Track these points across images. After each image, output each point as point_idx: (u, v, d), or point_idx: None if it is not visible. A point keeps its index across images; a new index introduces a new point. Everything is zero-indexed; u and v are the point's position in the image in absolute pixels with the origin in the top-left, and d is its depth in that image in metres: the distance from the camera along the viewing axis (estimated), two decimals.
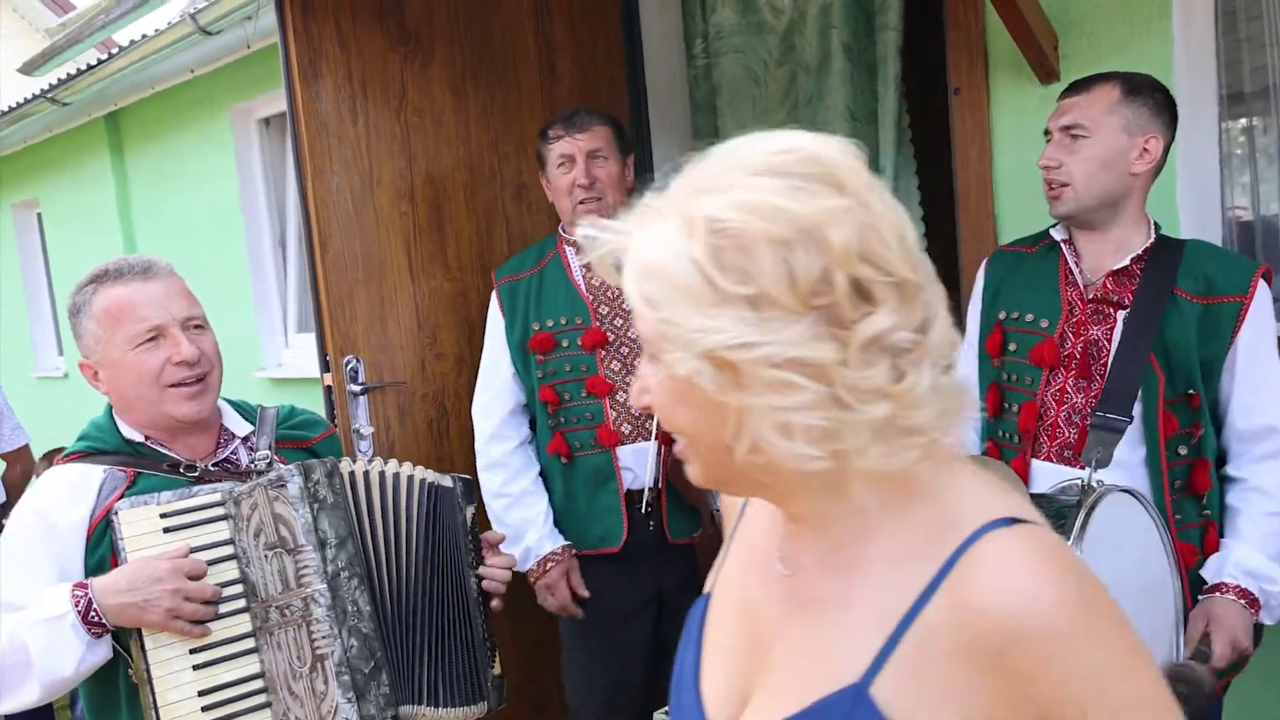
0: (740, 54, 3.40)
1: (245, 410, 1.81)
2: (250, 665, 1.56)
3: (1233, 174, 2.46)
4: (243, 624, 1.57)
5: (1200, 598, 1.79)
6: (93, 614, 1.48)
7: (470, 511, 1.79)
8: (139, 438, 1.66)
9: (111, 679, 1.60)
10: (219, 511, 1.59)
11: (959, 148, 2.60)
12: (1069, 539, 1.47)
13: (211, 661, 1.54)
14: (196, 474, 1.65)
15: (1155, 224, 1.92)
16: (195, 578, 1.52)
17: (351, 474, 1.67)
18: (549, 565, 2.41)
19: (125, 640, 1.53)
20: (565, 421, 2.42)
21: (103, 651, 1.53)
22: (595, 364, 2.40)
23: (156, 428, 1.67)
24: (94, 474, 1.60)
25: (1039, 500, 1.59)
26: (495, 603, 1.81)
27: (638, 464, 2.42)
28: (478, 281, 2.84)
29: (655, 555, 2.45)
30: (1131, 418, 1.78)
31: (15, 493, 3.78)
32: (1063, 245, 1.96)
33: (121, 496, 1.57)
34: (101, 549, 1.56)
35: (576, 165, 2.41)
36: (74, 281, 1.68)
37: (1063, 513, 1.54)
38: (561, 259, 2.50)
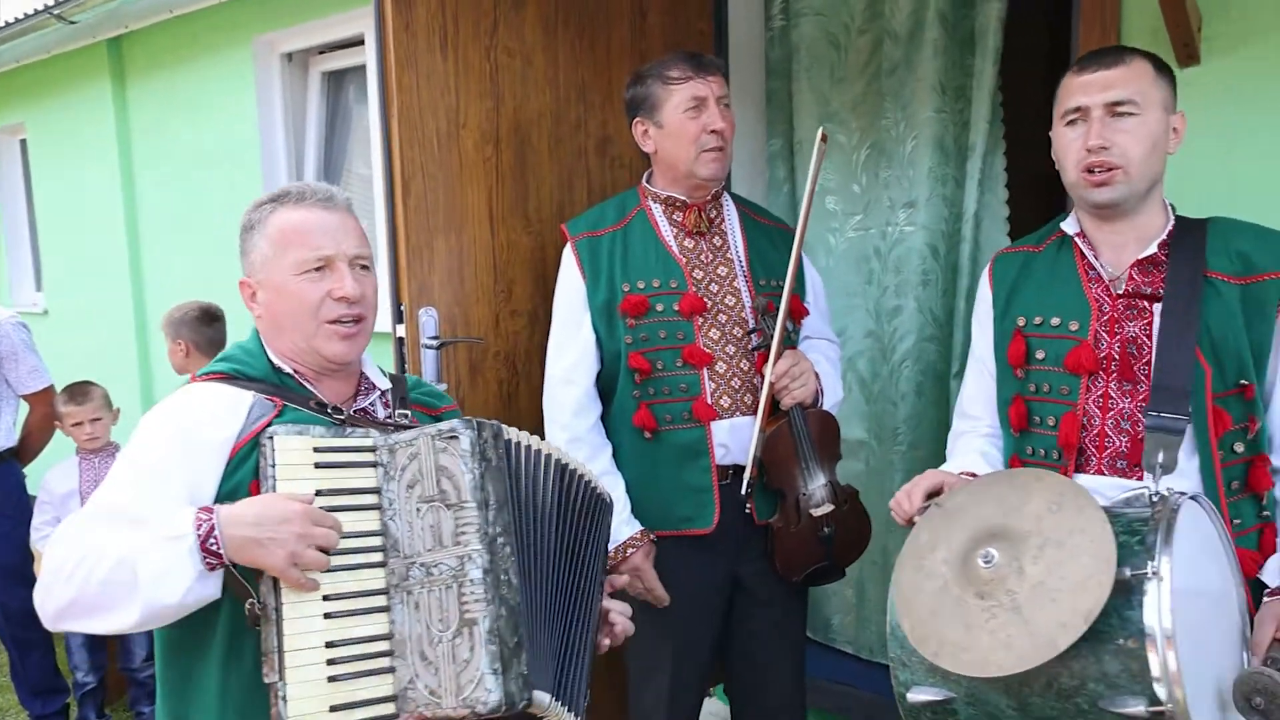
0: (821, 16, 3.27)
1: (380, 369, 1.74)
2: (379, 624, 1.42)
3: None
4: (377, 579, 1.44)
5: (1266, 601, 1.65)
6: (212, 542, 1.36)
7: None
8: (288, 369, 1.58)
9: (206, 624, 1.46)
10: (370, 457, 1.48)
11: None
12: (1155, 559, 1.33)
13: (342, 613, 1.40)
14: (342, 417, 1.56)
15: (1171, 206, 1.80)
16: (323, 527, 1.39)
17: (517, 443, 1.55)
18: (629, 551, 2.26)
19: (249, 579, 1.40)
20: (655, 393, 2.26)
21: (212, 588, 1.39)
22: (693, 332, 2.24)
23: (302, 362, 1.59)
24: (244, 397, 1.52)
25: (1107, 512, 1.47)
26: (605, 640, 1.72)
27: (731, 440, 2.26)
28: (555, 236, 2.68)
29: (739, 537, 2.32)
30: (1189, 415, 1.65)
31: (35, 437, 3.58)
32: (1076, 239, 1.82)
33: (269, 424, 1.47)
34: (241, 473, 1.46)
35: (709, 109, 2.22)
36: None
37: (1135, 528, 1.41)
38: (648, 216, 2.33)
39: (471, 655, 1.38)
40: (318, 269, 1.55)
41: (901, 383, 3.17)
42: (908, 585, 1.50)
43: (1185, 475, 1.68)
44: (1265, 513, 1.71)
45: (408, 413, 1.64)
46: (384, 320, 2.50)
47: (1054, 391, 1.78)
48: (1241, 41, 2.27)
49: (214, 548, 1.36)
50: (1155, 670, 1.28)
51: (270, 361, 1.60)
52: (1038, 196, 3.31)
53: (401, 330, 2.45)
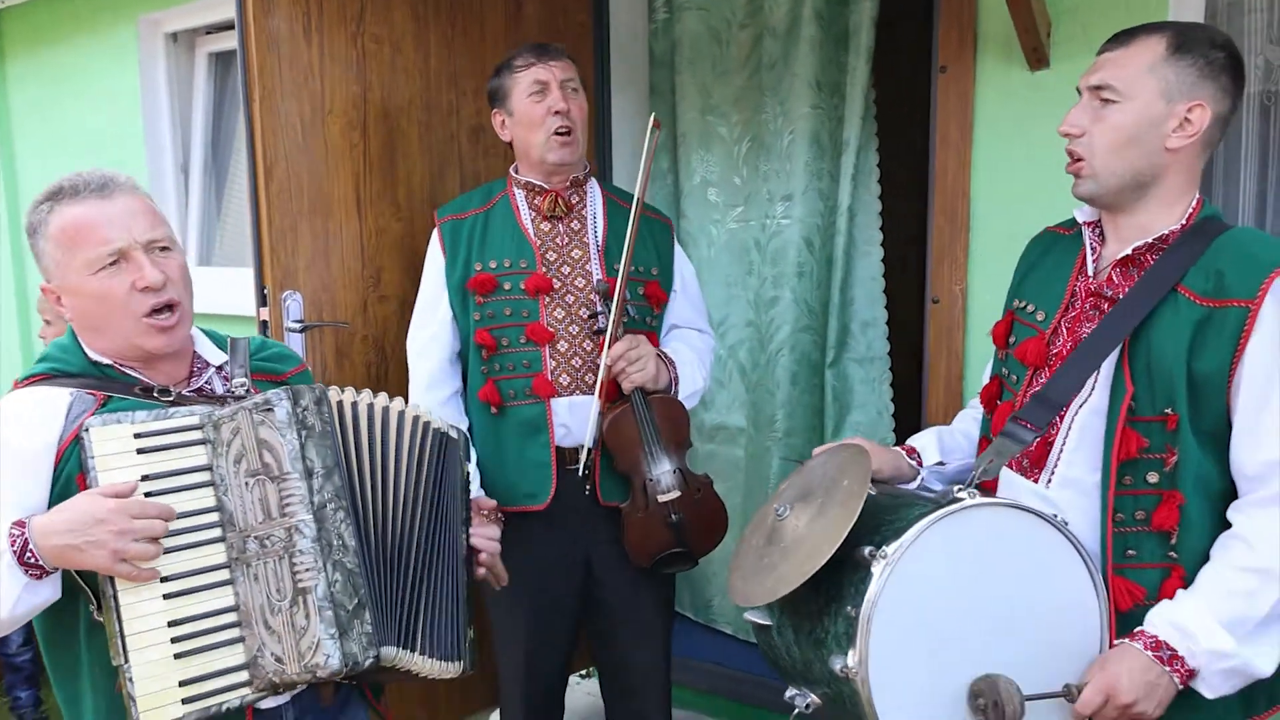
0: (703, 11, 3.31)
1: (217, 339, 1.69)
2: (224, 597, 1.45)
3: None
4: (217, 554, 1.45)
5: (1115, 642, 1.51)
6: (29, 555, 1.37)
7: (468, 468, 1.73)
8: (106, 361, 1.54)
9: (70, 612, 1.48)
10: (196, 435, 1.47)
11: (939, 125, 2.56)
12: (889, 545, 1.41)
13: (183, 592, 1.42)
14: (171, 399, 1.53)
15: (1202, 203, 1.57)
16: (145, 518, 1.38)
17: (340, 403, 1.56)
18: None
19: (87, 575, 1.42)
20: (500, 369, 2.32)
21: (46, 592, 1.41)
22: (537, 310, 2.30)
23: (126, 357, 1.55)
24: (60, 396, 1.49)
25: (919, 499, 1.52)
26: (480, 570, 1.76)
27: (572, 419, 2.32)
28: (427, 224, 2.67)
29: (585, 516, 2.37)
30: (1043, 430, 1.56)
31: None
32: (1084, 228, 1.66)
33: (91, 417, 1.44)
34: (68, 469, 1.44)
35: (552, 92, 2.29)
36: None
37: (916, 516, 1.45)
38: (511, 201, 2.39)
39: (308, 622, 1.43)
40: (112, 263, 1.49)
41: (778, 371, 3.23)
42: (750, 527, 1.64)
43: (1086, 493, 1.57)
44: (1172, 554, 1.53)
45: (245, 381, 1.62)
46: (248, 304, 2.48)
47: (1009, 378, 1.71)
48: (1088, 47, 2.34)
49: (32, 560, 1.36)
50: (856, 638, 1.39)
51: (86, 356, 1.55)
52: (908, 191, 3.40)
53: (265, 314, 2.42)
